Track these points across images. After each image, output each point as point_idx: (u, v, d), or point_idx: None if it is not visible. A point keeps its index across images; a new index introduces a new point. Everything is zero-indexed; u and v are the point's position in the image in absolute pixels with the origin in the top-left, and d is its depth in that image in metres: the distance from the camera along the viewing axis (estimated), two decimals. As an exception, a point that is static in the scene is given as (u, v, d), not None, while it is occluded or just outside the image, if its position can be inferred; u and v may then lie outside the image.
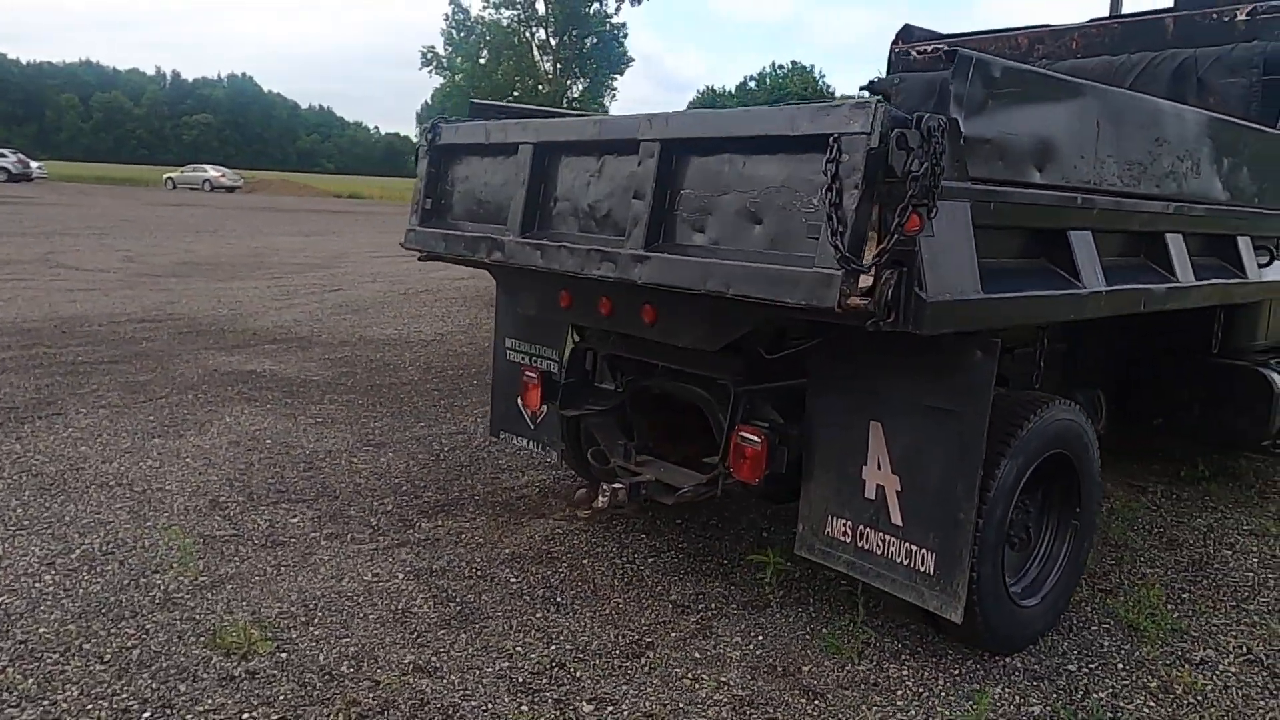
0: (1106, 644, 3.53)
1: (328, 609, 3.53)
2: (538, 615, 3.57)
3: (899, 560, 3.01)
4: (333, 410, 6.38)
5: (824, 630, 3.52)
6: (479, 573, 3.91)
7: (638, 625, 3.52)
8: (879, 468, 3.06)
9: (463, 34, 60.98)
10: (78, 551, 3.91)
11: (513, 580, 3.86)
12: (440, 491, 4.88)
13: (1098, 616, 3.74)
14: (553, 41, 61.29)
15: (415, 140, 4.37)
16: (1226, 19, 4.83)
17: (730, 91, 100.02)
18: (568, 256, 3.31)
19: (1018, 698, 3.13)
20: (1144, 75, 4.94)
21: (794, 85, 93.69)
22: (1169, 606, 3.86)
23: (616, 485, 3.65)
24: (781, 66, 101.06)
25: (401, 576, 3.83)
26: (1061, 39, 5.50)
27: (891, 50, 6.30)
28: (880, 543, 3.07)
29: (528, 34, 61.25)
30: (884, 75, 6.35)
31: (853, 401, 3.12)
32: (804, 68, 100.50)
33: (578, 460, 4.37)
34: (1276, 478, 5.69)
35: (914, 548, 2.96)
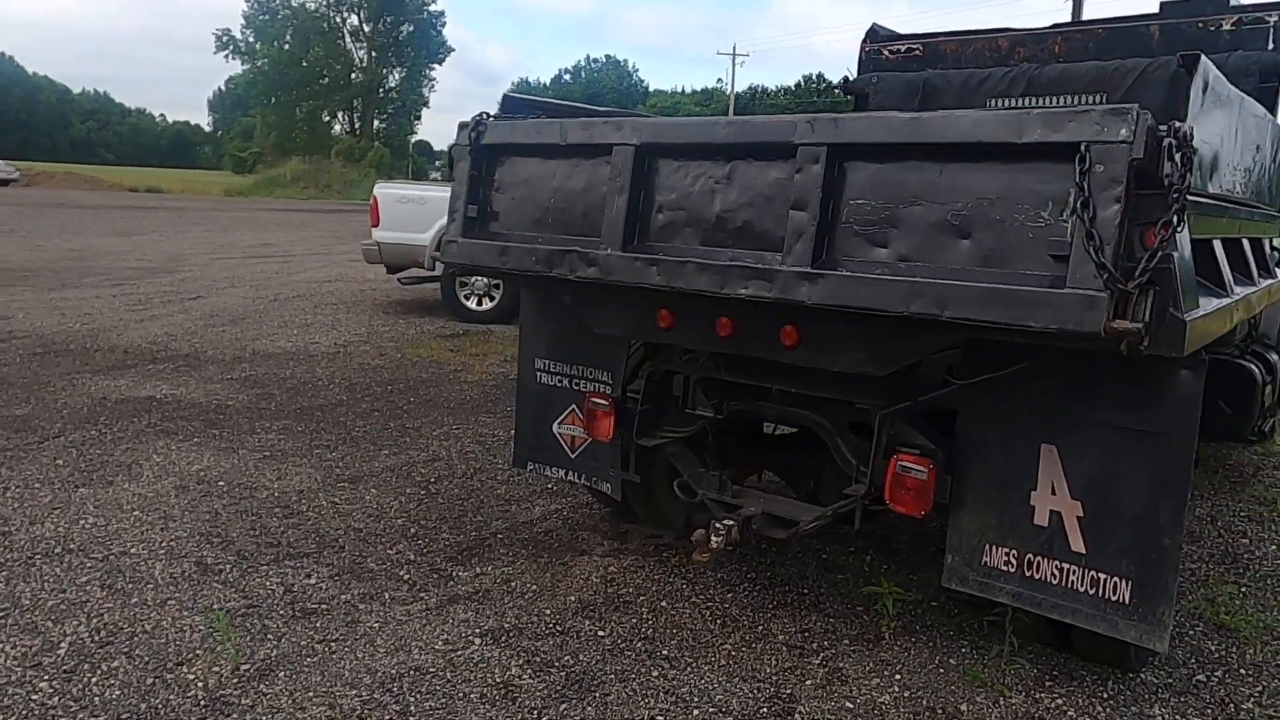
0: (1213, 648, 3.54)
1: (417, 692, 3.00)
2: (654, 674, 3.19)
3: (1082, 589, 2.86)
4: (274, 441, 5.62)
5: (952, 661, 3.34)
6: (558, 628, 3.47)
7: (764, 675, 3.21)
8: (1053, 493, 2.89)
9: (265, 17, 57.23)
10: (65, 646, 3.16)
11: (601, 634, 3.45)
12: (456, 532, 4.35)
13: (1184, 618, 3.76)
14: (366, 28, 58.66)
15: (449, 145, 3.83)
16: (1212, 28, 5.02)
17: (545, 84, 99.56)
18: (697, 274, 2.94)
19: (1178, 716, 3.07)
20: (1139, 81, 5.07)
21: (610, 79, 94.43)
22: (1236, 602, 3.95)
23: (728, 521, 3.31)
24: (596, 60, 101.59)
25: (478, 642, 3.33)
26: (1043, 43, 5.58)
27: (861, 50, 6.22)
28: (1056, 571, 2.90)
29: (338, 19, 58.32)
30: (854, 74, 6.27)
31: (1017, 424, 2.94)
32: (618, 62, 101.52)
33: (641, 494, 3.98)
34: (1232, 459, 6.06)
35: (1103, 575, 2.82)
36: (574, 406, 4.06)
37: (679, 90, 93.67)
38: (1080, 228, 2.30)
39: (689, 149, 3.08)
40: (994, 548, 3.02)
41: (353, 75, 60.08)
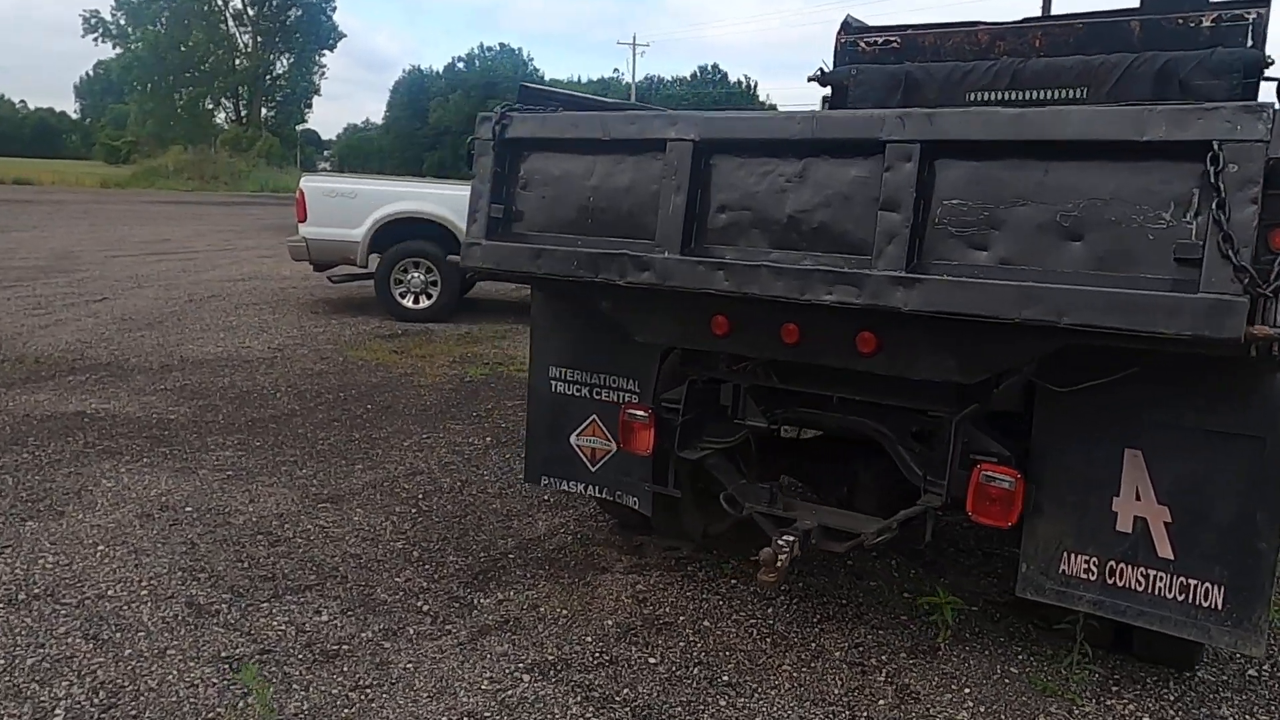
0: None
1: (478, 741, 2.74)
2: (721, 703, 3.00)
3: (1170, 596, 2.80)
4: (234, 458, 5.19)
5: (1014, 671, 3.27)
6: (606, 657, 3.25)
7: (834, 697, 3.07)
8: (1137, 498, 2.83)
9: (140, -1, 54.02)
10: (60, 712, 2.77)
11: (652, 661, 3.24)
12: (462, 554, 4.06)
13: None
14: (250, 11, 56.10)
15: (469, 139, 3.54)
16: (1193, 24, 5.09)
17: (438, 72, 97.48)
18: (772, 279, 2.76)
19: (1246, 715, 3.06)
20: (1126, 76, 5.11)
21: (505, 68, 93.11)
22: None
23: (789, 538, 3.15)
24: (491, 48, 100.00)
25: (527, 679, 3.08)
26: (1023, 36, 5.58)
27: (837, 42, 6.11)
28: (1141, 578, 2.84)
29: (220, 1, 55.57)
30: (829, 67, 6.18)
31: (1099, 428, 2.86)
32: (513, 50, 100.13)
33: (670, 510, 3.77)
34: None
35: (1193, 582, 2.77)
36: (594, 417, 3.83)
37: (575, 79, 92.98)
38: (1215, 230, 2.21)
39: (756, 145, 2.89)
40: (1073, 555, 2.94)
41: (236, 61, 57.43)
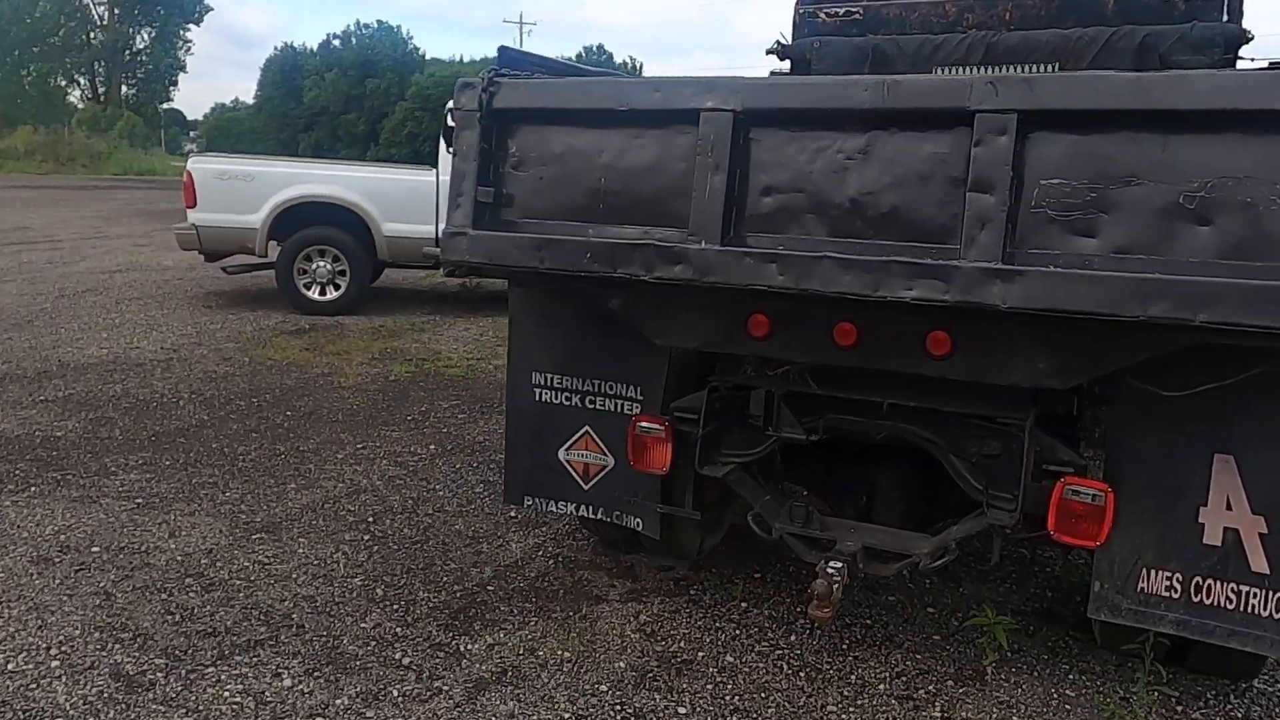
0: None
1: (508, 835, 2.27)
2: (773, 759, 2.62)
3: (1266, 614, 2.55)
4: (142, 482, 4.49)
5: (1071, 694, 3.00)
6: (628, 711, 2.82)
7: (893, 741, 2.73)
8: (1228, 508, 2.56)
9: (-23, -37, 49.48)
10: (-35, 841, 2.17)
11: (682, 711, 2.83)
12: (433, 588, 3.54)
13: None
14: (105, -19, 52.19)
15: (446, 108, 3.00)
16: (1167, 0, 4.95)
17: (313, 50, 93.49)
18: (837, 273, 2.36)
19: (1318, 732, 2.87)
20: (1104, 50, 4.92)
21: (384, 46, 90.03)
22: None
23: (838, 564, 2.78)
24: (368, 25, 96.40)
25: (546, 745, 2.63)
26: (993, 9, 5.33)
27: (796, 12, 5.75)
28: (1232, 595, 2.59)
29: (69, -30, 51.47)
30: (786, 39, 5.82)
31: (1185, 433, 2.58)
32: (392, 28, 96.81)
33: (665, 526, 3.32)
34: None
35: (1293, 598, 2.52)
36: (588, 429, 3.37)
37: (458, 59, 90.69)
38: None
39: (811, 116, 2.48)
40: (1153, 572, 2.66)
41: (91, 34, 53.47)
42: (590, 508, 3.43)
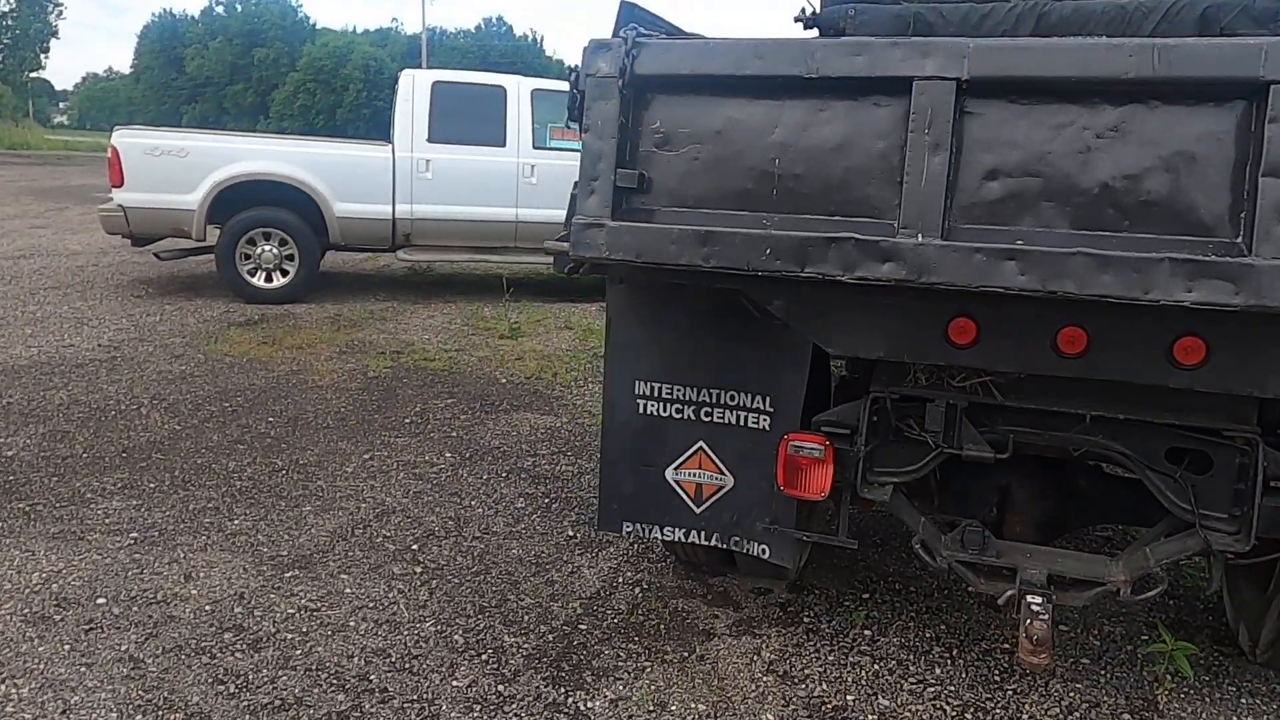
0: None
1: None
2: (989, 829, 2.28)
3: None
4: (130, 512, 3.86)
5: (1254, 722, 2.77)
6: (802, 775, 2.44)
7: (1104, 795, 2.43)
8: None
9: None
10: None
11: (862, 772, 2.47)
12: (519, 631, 3.08)
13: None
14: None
15: (572, 73, 2.50)
16: (1223, -32, 4.76)
17: (194, 17, 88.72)
18: (1093, 273, 2.01)
19: None
20: (1164, 22, 4.71)
21: (271, 15, 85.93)
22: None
23: (1038, 599, 2.45)
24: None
25: (734, 831, 2.23)
26: (1038, -23, 5.07)
27: (824, -24, 5.38)
28: None
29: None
30: (815, 5, 5.44)
31: None
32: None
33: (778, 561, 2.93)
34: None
35: None
36: (702, 444, 2.96)
37: (351, 29, 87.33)
38: None
39: (1055, 86, 2.11)
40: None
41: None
42: (702, 533, 3.02)
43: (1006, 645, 3.13)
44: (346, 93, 78.21)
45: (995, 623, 3.27)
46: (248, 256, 8.29)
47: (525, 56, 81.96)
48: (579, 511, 4.09)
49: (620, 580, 3.47)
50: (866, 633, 3.17)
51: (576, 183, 2.50)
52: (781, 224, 2.27)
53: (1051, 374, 2.31)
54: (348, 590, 3.29)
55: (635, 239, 2.34)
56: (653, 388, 2.97)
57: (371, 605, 3.20)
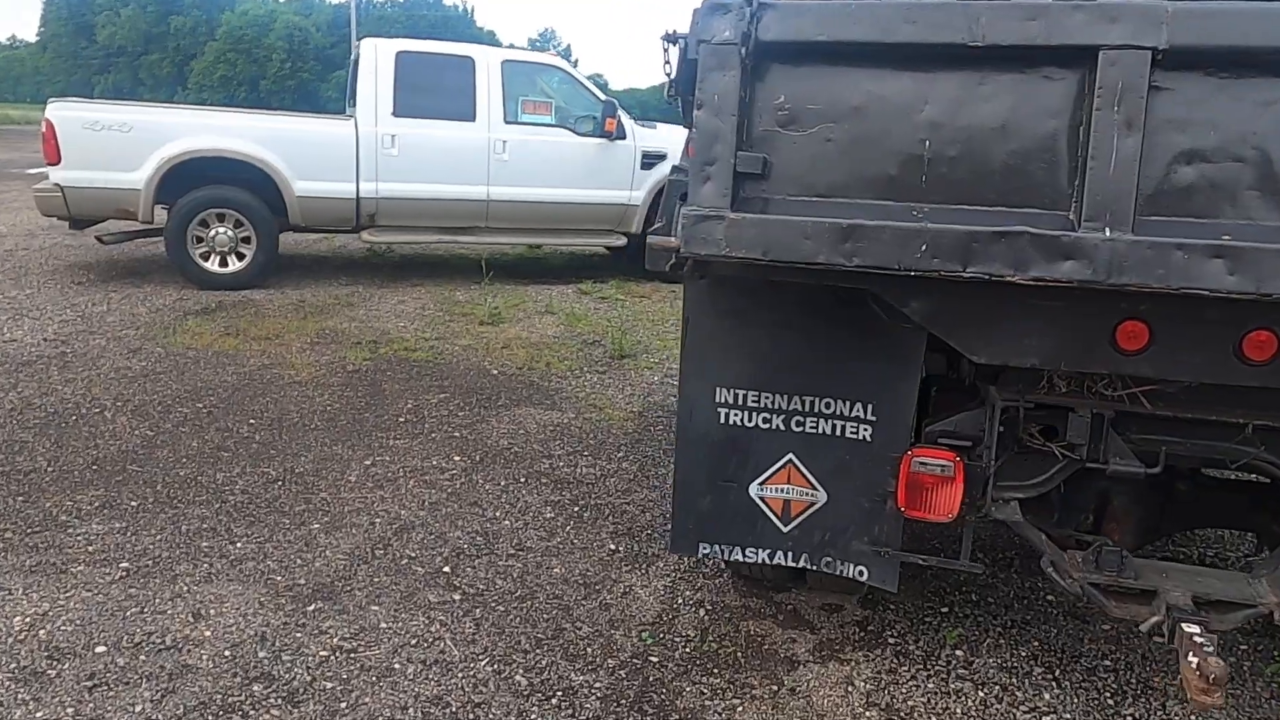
0: None
1: None
2: None
3: None
4: (114, 536, 3.42)
5: (1386, 741, 2.60)
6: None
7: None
8: None
9: None
10: None
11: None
12: (586, 668, 2.77)
13: None
14: None
15: (681, 40, 2.14)
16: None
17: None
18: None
19: None
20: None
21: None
22: None
23: (1194, 628, 2.22)
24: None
25: None
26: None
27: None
28: None
29: None
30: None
31: None
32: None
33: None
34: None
35: None
36: (792, 457, 2.67)
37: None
38: None
39: (1261, 56, 1.84)
40: None
41: None
42: (789, 554, 2.74)
43: (1107, 662, 2.92)
44: (270, 64, 75.59)
45: (1088, 636, 3.06)
46: (200, 239, 7.70)
47: (455, 27, 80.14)
48: (614, 521, 3.78)
49: (680, 601, 3.17)
50: (959, 653, 2.93)
51: (674, 167, 2.17)
52: (934, 215, 1.97)
53: (1229, 383, 2.07)
54: (383, 625, 2.93)
55: (761, 234, 2.02)
56: (737, 395, 2.67)
57: (414, 642, 2.84)
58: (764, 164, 2.06)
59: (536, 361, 6.11)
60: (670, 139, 8.52)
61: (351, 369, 5.76)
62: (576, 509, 3.88)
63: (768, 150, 2.07)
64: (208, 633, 2.83)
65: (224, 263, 7.82)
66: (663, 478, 4.22)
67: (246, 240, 7.81)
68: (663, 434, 4.83)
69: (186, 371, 5.52)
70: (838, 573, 2.71)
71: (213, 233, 7.71)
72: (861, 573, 2.67)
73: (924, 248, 1.93)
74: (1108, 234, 1.85)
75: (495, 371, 5.85)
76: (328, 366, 5.78)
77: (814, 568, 2.73)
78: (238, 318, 6.89)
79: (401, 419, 4.89)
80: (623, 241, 8.87)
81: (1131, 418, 2.33)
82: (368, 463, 4.26)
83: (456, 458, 4.38)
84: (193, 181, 7.60)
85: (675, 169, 2.30)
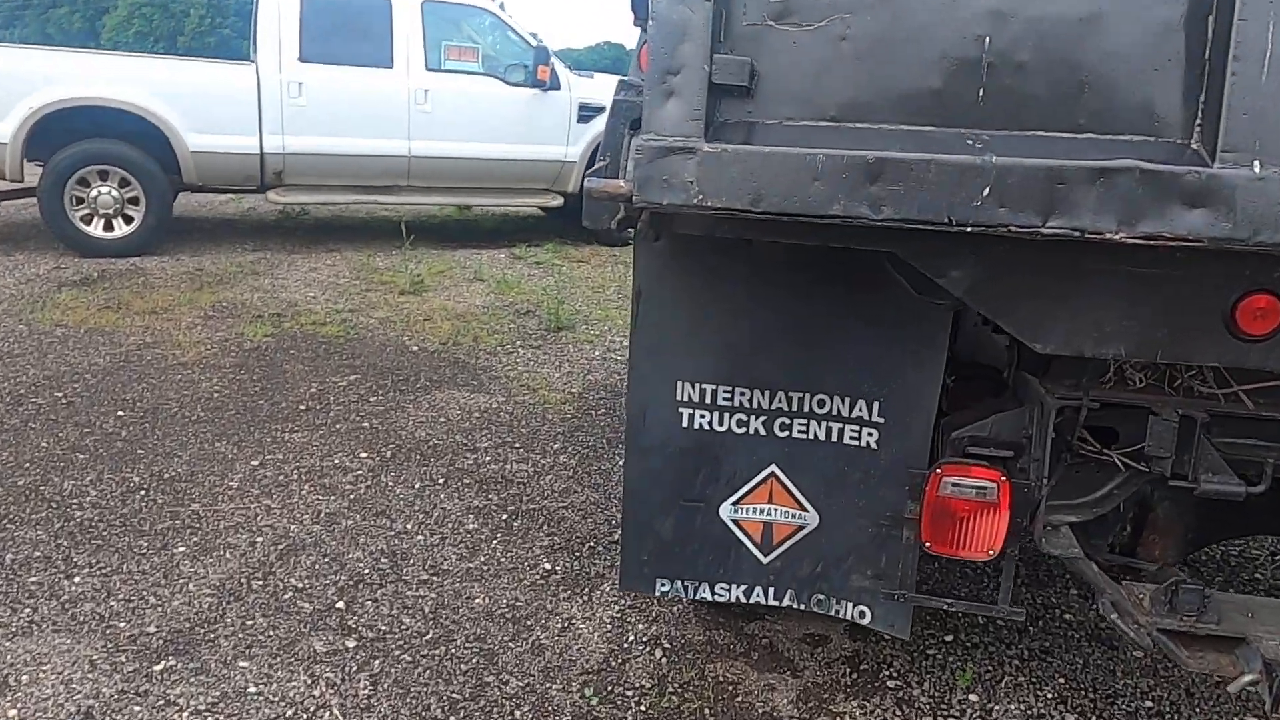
0: None
1: None
2: None
3: None
4: (92, 587, 2.71)
5: None
6: None
7: None
8: None
9: None
10: None
11: None
12: (512, 739, 2.16)
13: None
14: None
15: None
16: None
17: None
18: None
19: None
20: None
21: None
22: None
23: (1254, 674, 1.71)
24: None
25: None
26: None
27: None
28: None
29: None
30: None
31: None
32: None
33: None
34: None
35: None
36: (774, 470, 2.08)
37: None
38: None
39: None
40: None
41: None
42: (770, 590, 2.16)
43: (1148, 703, 2.41)
44: (188, 18, 72.22)
45: (1120, 667, 2.55)
46: (80, 200, 6.80)
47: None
48: (550, 531, 3.17)
49: (631, 638, 2.58)
50: (973, 698, 2.39)
51: (621, 82, 1.54)
52: (998, 145, 1.37)
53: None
54: (251, 689, 2.28)
55: (748, 174, 1.39)
56: (704, 391, 2.06)
57: (290, 714, 2.20)
58: (751, 73, 1.43)
59: (462, 335, 5.43)
60: (609, 90, 7.81)
61: (249, 347, 5.02)
62: (505, 516, 3.26)
63: (756, 53, 1.44)
64: (12, 713, 2.15)
65: (109, 226, 6.93)
66: (606, 474, 3.61)
67: (134, 201, 6.94)
68: (605, 419, 4.22)
69: (50, 353, 4.73)
70: (832, 613, 2.14)
71: (94, 193, 6.81)
72: (863, 614, 2.11)
73: (986, 192, 1.33)
74: (1257, 170, 1.27)
75: (415, 348, 5.17)
76: (220, 345, 5.03)
77: (802, 607, 2.16)
78: (121, 289, 6.06)
79: (302, 407, 4.20)
80: (559, 201, 8.19)
81: (1232, 425, 1.77)
82: (255, 463, 3.57)
83: (363, 454, 3.71)
84: (70, 135, 6.69)
85: (623, 84, 1.68)
